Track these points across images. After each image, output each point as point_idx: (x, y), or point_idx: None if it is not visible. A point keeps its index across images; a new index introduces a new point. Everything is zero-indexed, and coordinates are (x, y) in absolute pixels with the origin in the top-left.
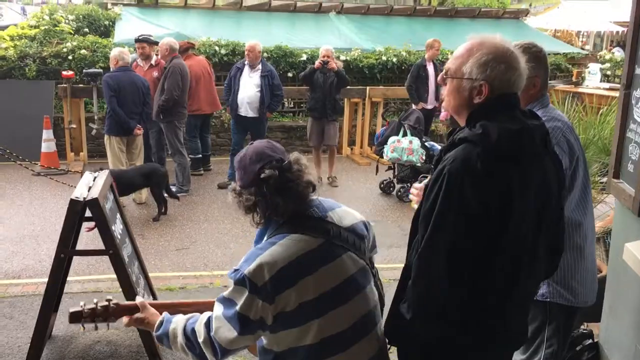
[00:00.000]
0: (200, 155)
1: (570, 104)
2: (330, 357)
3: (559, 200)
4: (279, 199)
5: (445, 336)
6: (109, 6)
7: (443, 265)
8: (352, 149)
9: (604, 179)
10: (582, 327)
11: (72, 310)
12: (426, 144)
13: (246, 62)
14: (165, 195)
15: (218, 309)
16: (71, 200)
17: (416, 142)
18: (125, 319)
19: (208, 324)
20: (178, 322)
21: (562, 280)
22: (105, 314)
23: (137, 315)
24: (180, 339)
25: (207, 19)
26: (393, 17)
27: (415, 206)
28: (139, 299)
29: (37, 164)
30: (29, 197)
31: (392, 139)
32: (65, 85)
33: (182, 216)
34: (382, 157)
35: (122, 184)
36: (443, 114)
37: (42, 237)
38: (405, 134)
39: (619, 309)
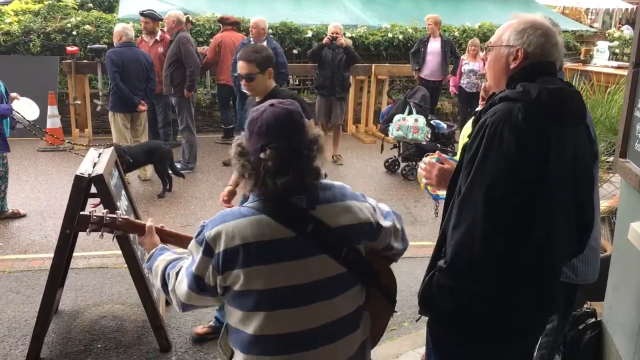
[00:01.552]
0: (232, 126)
1: (577, 82)
2: (270, 355)
3: (592, 172)
4: (270, 181)
5: (478, 293)
6: None
7: (483, 211)
8: (357, 127)
9: (611, 158)
10: (585, 305)
11: (82, 213)
12: (432, 122)
13: (251, 39)
14: (170, 172)
15: (188, 261)
16: (76, 176)
17: (422, 120)
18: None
19: (177, 274)
20: (161, 262)
21: None
22: (113, 225)
23: (140, 237)
24: (159, 279)
25: None
26: None
27: (424, 180)
28: (149, 222)
29: (43, 138)
30: (34, 173)
31: (397, 117)
32: (69, 61)
33: (187, 193)
34: (387, 135)
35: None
36: (452, 88)
37: (48, 213)
38: (410, 112)
39: (623, 289)
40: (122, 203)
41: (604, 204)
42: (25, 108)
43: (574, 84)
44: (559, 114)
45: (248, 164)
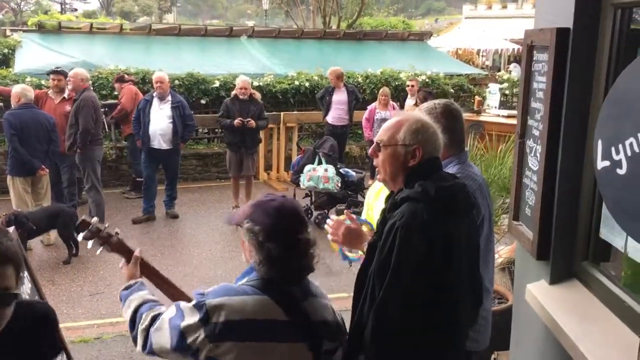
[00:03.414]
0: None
1: (473, 138)
2: None
3: (479, 249)
4: (284, 267)
5: None
6: (8, 32)
7: (400, 314)
8: (268, 174)
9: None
10: (492, 357)
11: (84, 217)
12: (341, 170)
13: (155, 94)
14: (76, 235)
15: (170, 312)
16: None
17: (331, 169)
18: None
19: (155, 318)
20: (138, 297)
21: None
22: (106, 239)
23: (125, 266)
24: (130, 312)
25: (114, 45)
26: (303, 40)
27: (330, 237)
28: (137, 252)
29: None
30: None
31: (307, 167)
32: None
33: (95, 256)
34: (298, 185)
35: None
36: (366, 133)
37: None
38: (320, 162)
39: (524, 344)
40: (25, 287)
41: (504, 253)
42: None
43: (469, 140)
44: (455, 208)
45: (276, 248)
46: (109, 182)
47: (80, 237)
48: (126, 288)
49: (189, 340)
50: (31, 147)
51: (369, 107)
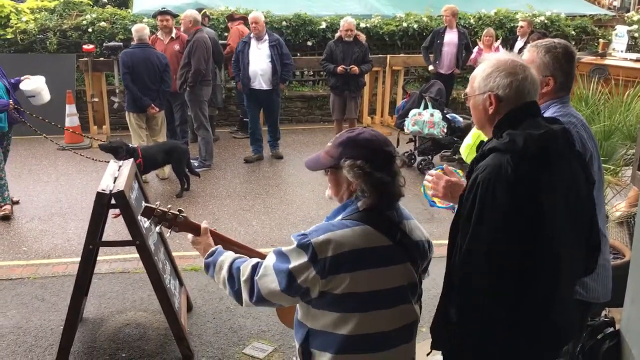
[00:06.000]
0: None
1: (595, 84)
2: (360, 354)
3: (590, 197)
4: (396, 188)
5: (492, 340)
6: None
7: (484, 270)
8: (372, 118)
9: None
10: (603, 312)
11: (146, 205)
12: (447, 115)
13: (251, 35)
14: (187, 171)
15: (270, 259)
16: (98, 193)
17: (437, 114)
18: (189, 236)
19: (255, 267)
20: (227, 256)
21: None
22: (172, 221)
23: (195, 237)
24: (224, 272)
25: None
26: None
27: (430, 192)
28: (204, 224)
29: (59, 143)
30: (55, 173)
31: (413, 111)
32: (86, 59)
33: (205, 192)
34: (402, 130)
35: (145, 161)
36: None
37: (70, 215)
38: (426, 107)
39: None
40: None
41: (622, 206)
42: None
43: (592, 85)
44: (546, 158)
45: (372, 179)
46: (218, 122)
47: (146, 223)
48: (209, 255)
49: (299, 280)
50: (142, 85)
51: (475, 49)
